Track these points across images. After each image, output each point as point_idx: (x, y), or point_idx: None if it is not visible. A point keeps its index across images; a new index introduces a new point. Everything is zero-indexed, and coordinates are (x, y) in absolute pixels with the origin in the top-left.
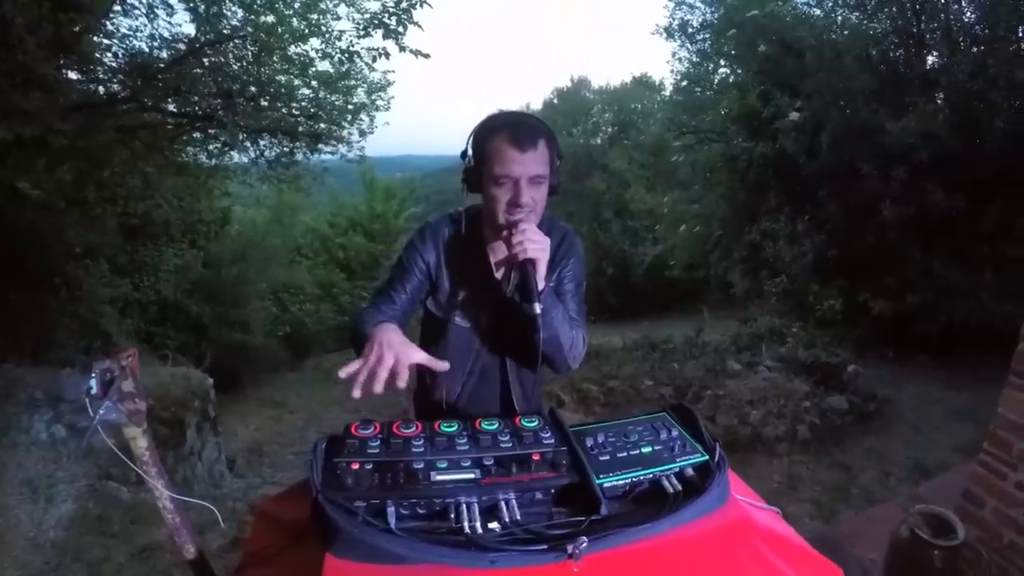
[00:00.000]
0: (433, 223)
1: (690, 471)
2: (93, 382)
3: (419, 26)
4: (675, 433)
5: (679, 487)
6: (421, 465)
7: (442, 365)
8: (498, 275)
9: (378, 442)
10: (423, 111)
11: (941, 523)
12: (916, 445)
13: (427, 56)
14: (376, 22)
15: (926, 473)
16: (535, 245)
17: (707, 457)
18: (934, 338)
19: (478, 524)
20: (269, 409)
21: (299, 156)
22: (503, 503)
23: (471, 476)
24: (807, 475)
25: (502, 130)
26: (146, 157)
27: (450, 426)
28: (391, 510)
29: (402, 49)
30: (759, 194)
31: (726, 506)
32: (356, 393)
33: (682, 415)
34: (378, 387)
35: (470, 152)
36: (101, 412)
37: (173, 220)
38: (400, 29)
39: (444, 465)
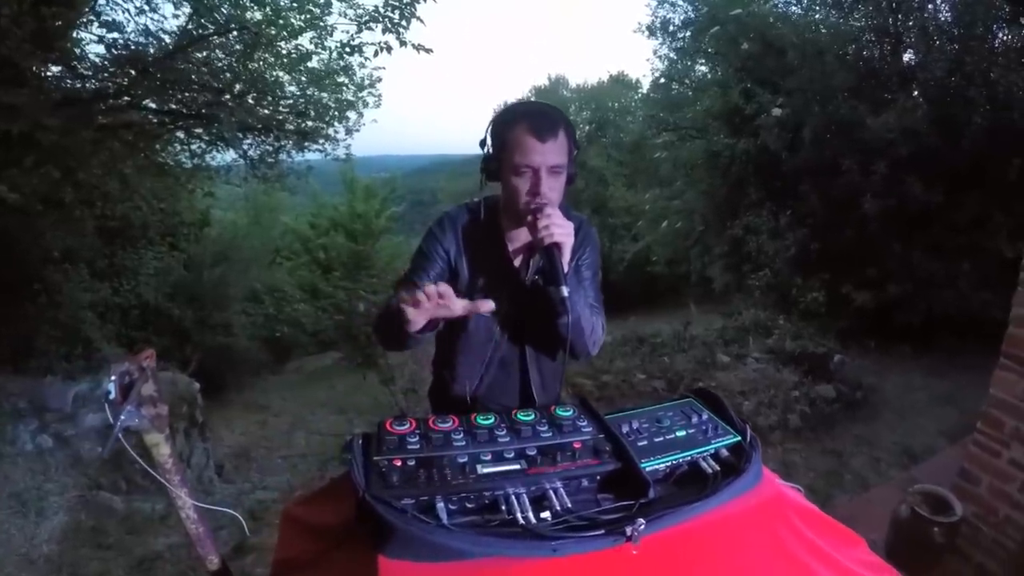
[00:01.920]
0: (452, 213)
1: (725, 452)
2: (111, 386)
3: (421, 20)
4: (705, 416)
5: (717, 467)
6: (465, 459)
7: (487, 305)
8: (516, 263)
9: (417, 438)
10: (398, 111)
11: (939, 501)
12: (903, 431)
13: (429, 51)
14: (377, 16)
15: (913, 457)
16: (561, 230)
17: (740, 438)
18: (915, 327)
19: (530, 514)
20: (254, 413)
21: (283, 155)
22: (551, 492)
23: (517, 467)
24: (800, 462)
25: (522, 120)
26: (125, 157)
27: (487, 419)
28: (441, 506)
29: (403, 44)
30: (740, 190)
31: (761, 484)
32: (422, 298)
33: (707, 400)
34: (430, 288)
35: (489, 142)
36: (122, 418)
37: (152, 222)
38: (403, 23)
39: (488, 458)
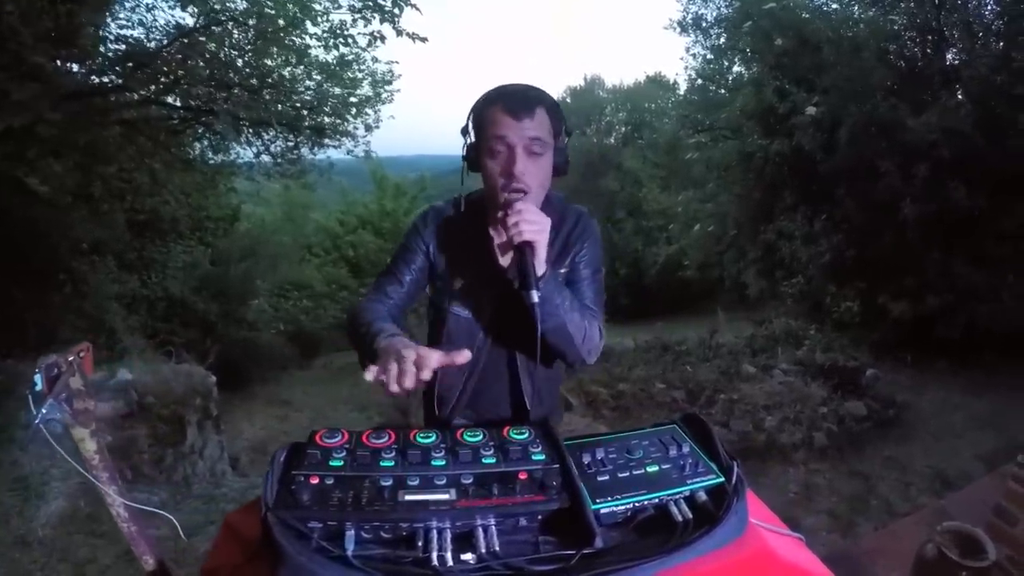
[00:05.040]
0: (436, 206)
1: (703, 495)
2: (38, 378)
3: (416, 8)
4: (686, 449)
5: (689, 515)
6: (389, 482)
7: (463, 356)
8: (503, 261)
9: (343, 453)
10: (434, 110)
11: (969, 541)
12: (937, 454)
13: (424, 40)
14: (372, 4)
15: (948, 483)
16: (532, 226)
17: (723, 479)
18: (955, 342)
19: (448, 555)
20: (276, 408)
21: (304, 151)
22: (480, 530)
23: (445, 497)
24: (824, 485)
25: (498, 99)
26: (152, 153)
27: (427, 437)
28: (350, 534)
29: (399, 33)
30: (775, 192)
31: (744, 536)
32: (394, 388)
33: (695, 427)
34: (408, 382)
35: (470, 127)
36: (44, 411)
37: (181, 217)
38: (395, 11)
39: (416, 483)
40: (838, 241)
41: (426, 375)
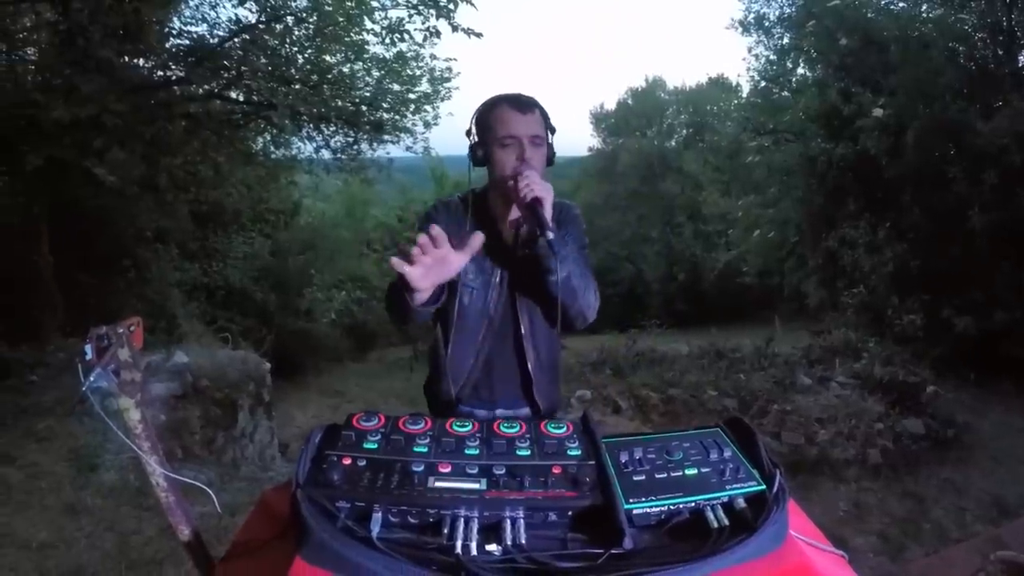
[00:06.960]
0: (445, 199)
1: (741, 502)
2: (88, 347)
3: (471, 3)
4: (728, 454)
5: (726, 521)
6: (421, 468)
7: (479, 238)
8: (508, 237)
9: (378, 436)
10: None
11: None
12: (997, 479)
13: (479, 35)
14: (428, 0)
15: (1005, 511)
16: (540, 186)
17: (764, 487)
18: (1021, 360)
19: (473, 544)
20: (329, 397)
21: (363, 146)
22: (508, 522)
23: (475, 486)
24: (875, 504)
25: (502, 101)
26: (216, 147)
27: (463, 426)
28: (377, 516)
29: (455, 29)
30: (838, 198)
31: (782, 548)
32: (415, 267)
33: (739, 432)
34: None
35: (474, 129)
36: (91, 379)
37: (243, 209)
38: (451, 6)
39: (447, 470)
40: (902, 251)
41: (445, 248)
